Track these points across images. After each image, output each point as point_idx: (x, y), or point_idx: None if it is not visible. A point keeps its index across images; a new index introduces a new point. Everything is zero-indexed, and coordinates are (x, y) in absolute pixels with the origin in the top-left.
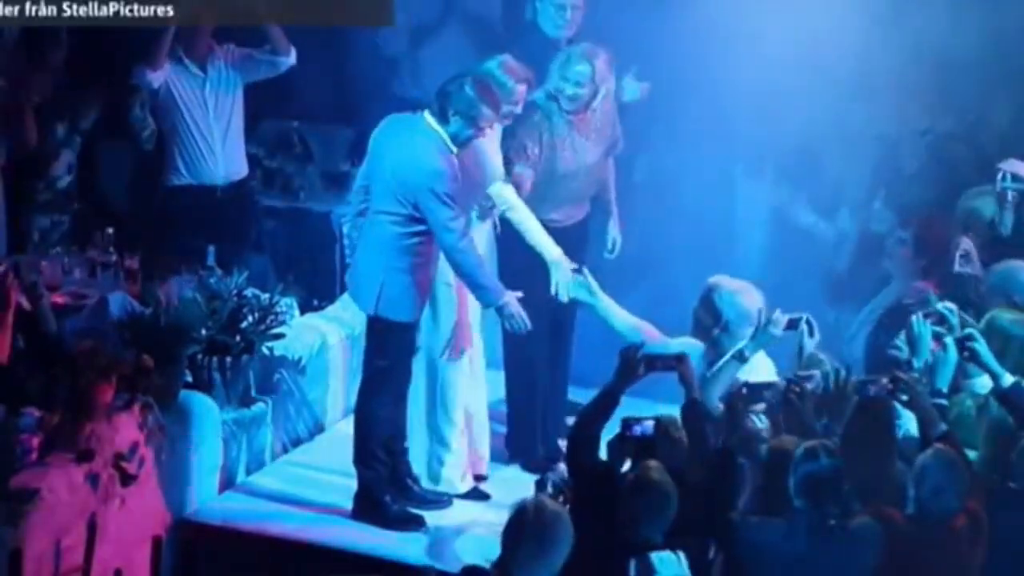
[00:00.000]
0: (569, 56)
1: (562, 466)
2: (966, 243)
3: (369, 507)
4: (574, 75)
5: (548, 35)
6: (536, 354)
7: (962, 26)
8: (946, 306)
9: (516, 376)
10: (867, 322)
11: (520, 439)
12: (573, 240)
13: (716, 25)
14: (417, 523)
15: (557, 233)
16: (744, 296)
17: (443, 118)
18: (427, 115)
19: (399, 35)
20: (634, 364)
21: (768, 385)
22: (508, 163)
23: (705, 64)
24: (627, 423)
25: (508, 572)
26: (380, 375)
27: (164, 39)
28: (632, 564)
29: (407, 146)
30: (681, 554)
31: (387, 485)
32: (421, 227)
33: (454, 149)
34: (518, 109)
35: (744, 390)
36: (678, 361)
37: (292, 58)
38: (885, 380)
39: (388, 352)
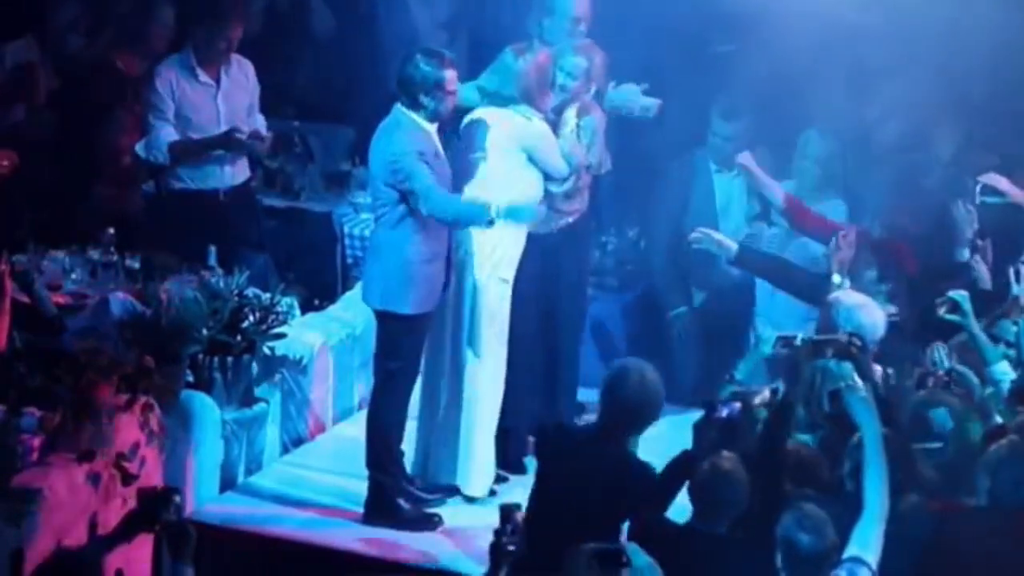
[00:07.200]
0: (566, 48)
1: None
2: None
3: (383, 510)
4: (569, 65)
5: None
6: (526, 356)
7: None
8: (959, 293)
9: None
10: None
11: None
12: (577, 235)
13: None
14: (434, 522)
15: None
16: (862, 311)
17: (415, 105)
18: (399, 107)
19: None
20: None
21: (830, 340)
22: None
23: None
24: (712, 405)
25: None
26: (392, 378)
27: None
28: None
29: (387, 135)
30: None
31: (401, 488)
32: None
33: (431, 127)
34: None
35: (809, 346)
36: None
37: None
38: (942, 373)
39: (400, 353)
